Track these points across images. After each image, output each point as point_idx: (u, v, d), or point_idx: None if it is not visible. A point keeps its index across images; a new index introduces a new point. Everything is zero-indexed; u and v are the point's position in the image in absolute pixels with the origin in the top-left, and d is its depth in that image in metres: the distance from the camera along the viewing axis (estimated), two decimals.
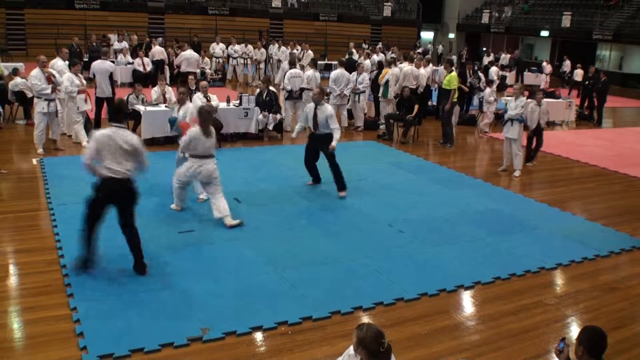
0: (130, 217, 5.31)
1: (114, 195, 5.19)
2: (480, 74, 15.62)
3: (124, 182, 5.14)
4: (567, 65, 22.54)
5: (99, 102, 10.75)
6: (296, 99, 12.06)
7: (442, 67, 12.98)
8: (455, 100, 11.80)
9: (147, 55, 17.51)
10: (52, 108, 9.20)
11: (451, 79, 11.47)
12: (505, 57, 24.40)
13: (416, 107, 11.55)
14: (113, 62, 15.74)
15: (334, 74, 12.18)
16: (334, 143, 7.64)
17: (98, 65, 10.68)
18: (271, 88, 11.38)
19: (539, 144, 10.01)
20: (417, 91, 12.67)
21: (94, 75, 10.63)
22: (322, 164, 7.94)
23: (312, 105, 7.91)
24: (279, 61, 19.28)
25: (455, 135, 12.88)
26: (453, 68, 12.04)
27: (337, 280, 5.35)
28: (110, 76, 10.70)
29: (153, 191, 7.58)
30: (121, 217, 5.28)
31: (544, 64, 23.01)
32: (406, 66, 12.98)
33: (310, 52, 19.24)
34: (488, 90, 13.40)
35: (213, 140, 6.55)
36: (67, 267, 5.28)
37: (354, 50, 19.87)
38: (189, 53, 15.04)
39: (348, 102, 12.67)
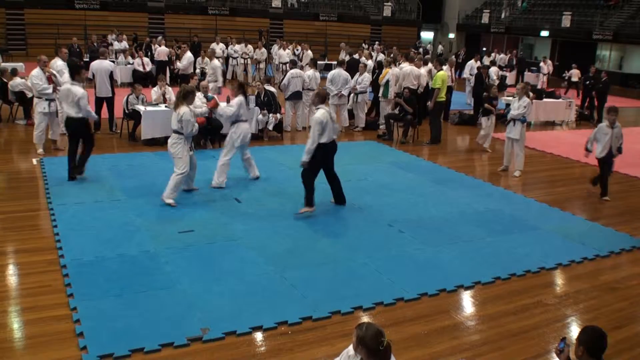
0: (89, 139, 7.97)
1: (72, 126, 7.78)
2: (495, 77, 15.66)
3: (77, 119, 7.70)
4: (549, 65, 22.28)
5: (98, 102, 10.75)
6: (296, 99, 12.06)
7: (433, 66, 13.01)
8: (443, 98, 11.79)
9: (147, 55, 17.51)
10: (53, 108, 9.21)
11: (437, 78, 11.47)
12: (502, 58, 24.37)
13: (412, 108, 11.51)
14: (113, 62, 15.74)
15: (330, 74, 12.21)
16: (303, 157, 6.88)
17: (97, 65, 10.68)
18: (268, 88, 11.37)
19: (604, 172, 8.52)
20: (417, 91, 12.66)
21: (93, 75, 10.64)
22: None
23: None
24: (284, 64, 18.75)
25: (456, 135, 12.89)
26: (443, 67, 12.06)
27: (337, 280, 5.35)
28: (110, 76, 10.72)
29: (153, 191, 7.58)
30: (83, 141, 7.89)
31: (542, 63, 22.94)
32: (406, 66, 12.98)
33: (309, 52, 19.21)
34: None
35: (175, 115, 7.06)
36: (67, 267, 5.28)
37: (344, 51, 19.80)
38: (190, 55, 15.07)
39: (349, 102, 12.68)
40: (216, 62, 13.03)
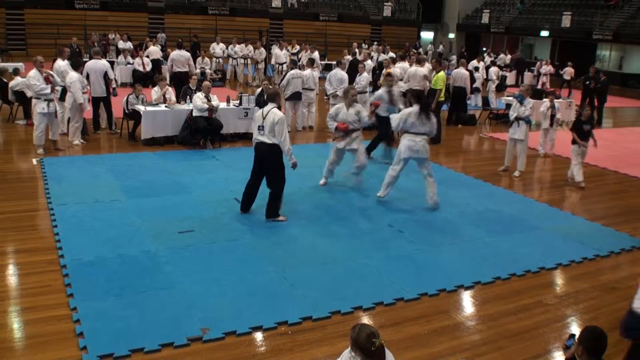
0: (271, 180, 6.66)
1: (259, 155, 6.61)
2: (495, 77, 15.64)
3: (268, 145, 6.49)
4: (544, 69, 22.21)
5: (95, 102, 10.74)
6: (296, 99, 12.07)
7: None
8: (443, 99, 11.82)
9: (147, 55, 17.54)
10: (52, 108, 9.20)
11: (438, 79, 11.50)
12: (503, 58, 24.38)
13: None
14: (113, 62, 15.74)
15: (329, 74, 12.29)
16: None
17: (92, 65, 10.61)
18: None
19: None
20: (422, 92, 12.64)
21: (88, 75, 10.52)
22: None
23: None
24: (281, 64, 18.44)
25: (456, 135, 12.89)
26: (441, 68, 12.08)
27: (337, 280, 5.35)
28: (105, 75, 10.66)
29: (153, 191, 7.59)
30: (267, 177, 6.71)
31: (542, 64, 22.90)
32: (408, 67, 12.98)
33: (316, 53, 18.98)
34: (547, 102, 11.02)
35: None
36: (67, 267, 5.28)
37: (357, 51, 19.78)
38: (176, 53, 14.63)
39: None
40: (308, 72, 12.31)
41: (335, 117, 8.01)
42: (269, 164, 6.63)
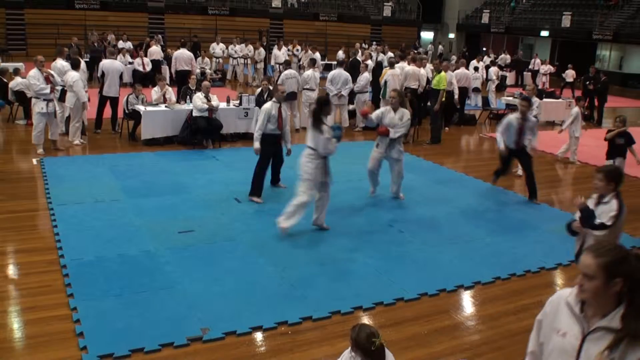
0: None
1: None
2: (495, 77, 15.64)
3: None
4: (543, 68, 22.23)
5: (103, 100, 10.80)
6: (292, 99, 12.05)
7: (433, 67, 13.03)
8: (444, 100, 11.83)
9: (146, 55, 17.54)
10: (51, 108, 9.19)
11: (440, 80, 11.50)
12: (504, 57, 24.39)
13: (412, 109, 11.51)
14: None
15: (331, 74, 12.25)
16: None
17: (109, 64, 10.74)
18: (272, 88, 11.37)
19: None
20: (417, 91, 12.66)
21: (102, 74, 10.67)
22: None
23: None
24: (280, 64, 18.39)
25: (456, 135, 12.89)
26: (444, 68, 12.09)
27: (337, 280, 5.35)
28: (120, 76, 10.92)
29: (153, 191, 7.59)
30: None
31: (538, 62, 22.86)
32: (407, 66, 12.97)
33: (310, 52, 19.06)
34: (576, 109, 10.34)
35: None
36: (67, 267, 5.28)
37: (358, 52, 19.80)
38: (179, 52, 14.66)
39: (353, 103, 12.69)
40: (310, 72, 12.09)
41: (381, 120, 7.57)
42: None
